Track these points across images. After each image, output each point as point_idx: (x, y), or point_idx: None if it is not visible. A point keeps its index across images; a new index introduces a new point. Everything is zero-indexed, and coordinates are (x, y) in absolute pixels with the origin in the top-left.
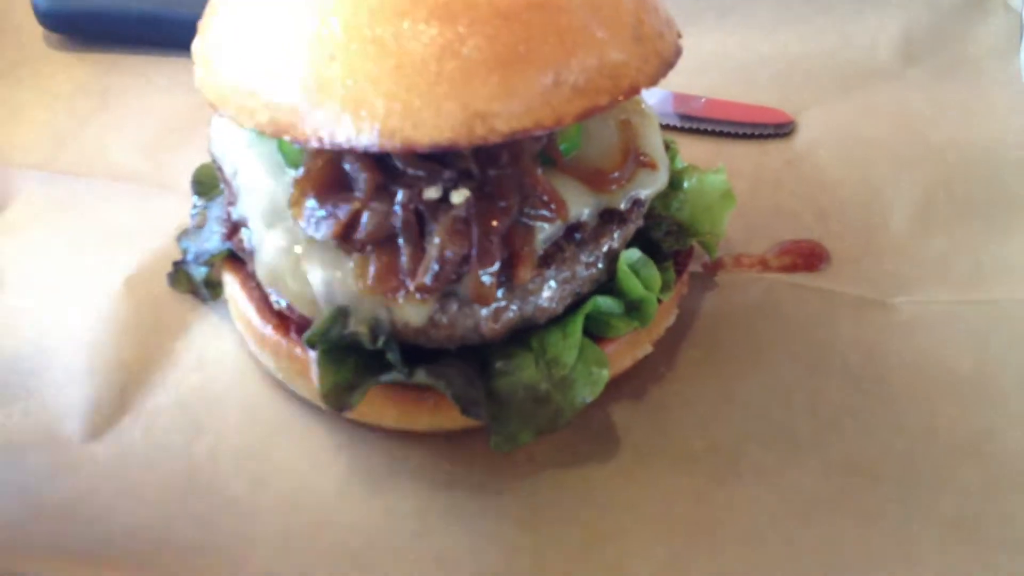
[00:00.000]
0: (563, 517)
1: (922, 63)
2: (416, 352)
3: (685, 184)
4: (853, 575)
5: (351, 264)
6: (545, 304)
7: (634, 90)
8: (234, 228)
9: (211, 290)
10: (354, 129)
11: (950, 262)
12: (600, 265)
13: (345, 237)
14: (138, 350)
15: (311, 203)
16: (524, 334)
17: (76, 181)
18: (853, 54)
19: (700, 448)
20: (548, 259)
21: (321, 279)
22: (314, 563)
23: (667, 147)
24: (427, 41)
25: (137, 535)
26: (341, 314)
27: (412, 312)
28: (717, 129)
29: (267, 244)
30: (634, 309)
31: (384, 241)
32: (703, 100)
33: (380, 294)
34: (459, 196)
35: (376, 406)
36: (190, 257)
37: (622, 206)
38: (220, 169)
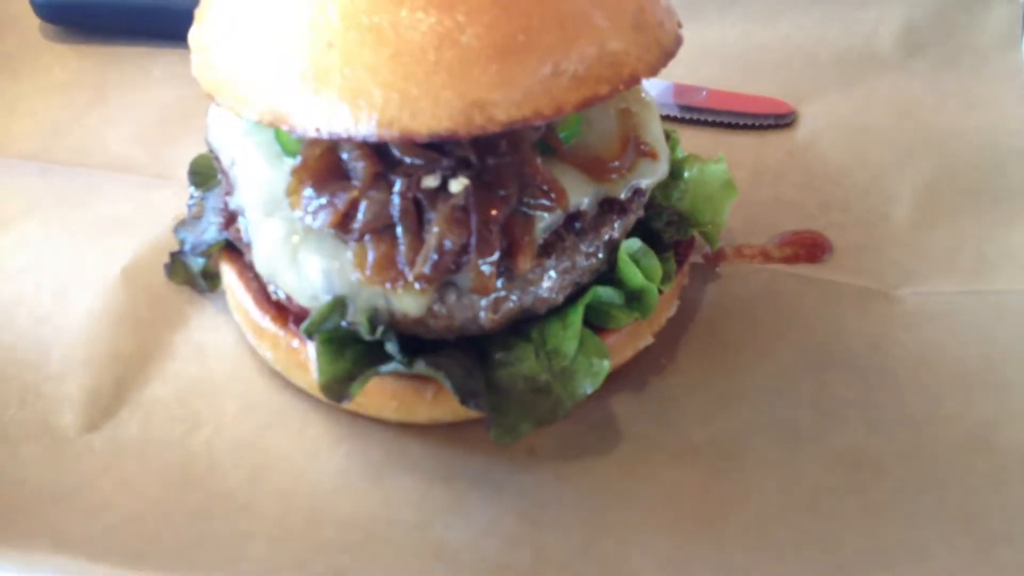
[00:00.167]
0: (564, 510)
1: (924, 53)
2: (415, 343)
3: (686, 174)
4: (858, 569)
5: (349, 254)
6: (545, 294)
7: (634, 80)
8: (231, 218)
9: (208, 281)
10: (352, 119)
11: (954, 253)
12: (600, 255)
13: (343, 226)
14: (135, 341)
15: (309, 192)
16: (524, 325)
17: (73, 172)
18: (855, 44)
19: (702, 440)
20: (548, 248)
21: (319, 269)
22: (313, 556)
23: (667, 137)
24: (425, 29)
25: (134, 528)
26: (339, 304)
27: (411, 302)
28: (718, 120)
29: (264, 234)
30: (635, 300)
31: (382, 230)
32: (704, 91)
33: (379, 284)
34: (458, 185)
35: (375, 397)
36: (187, 248)
37: (622, 195)
38: (217, 159)
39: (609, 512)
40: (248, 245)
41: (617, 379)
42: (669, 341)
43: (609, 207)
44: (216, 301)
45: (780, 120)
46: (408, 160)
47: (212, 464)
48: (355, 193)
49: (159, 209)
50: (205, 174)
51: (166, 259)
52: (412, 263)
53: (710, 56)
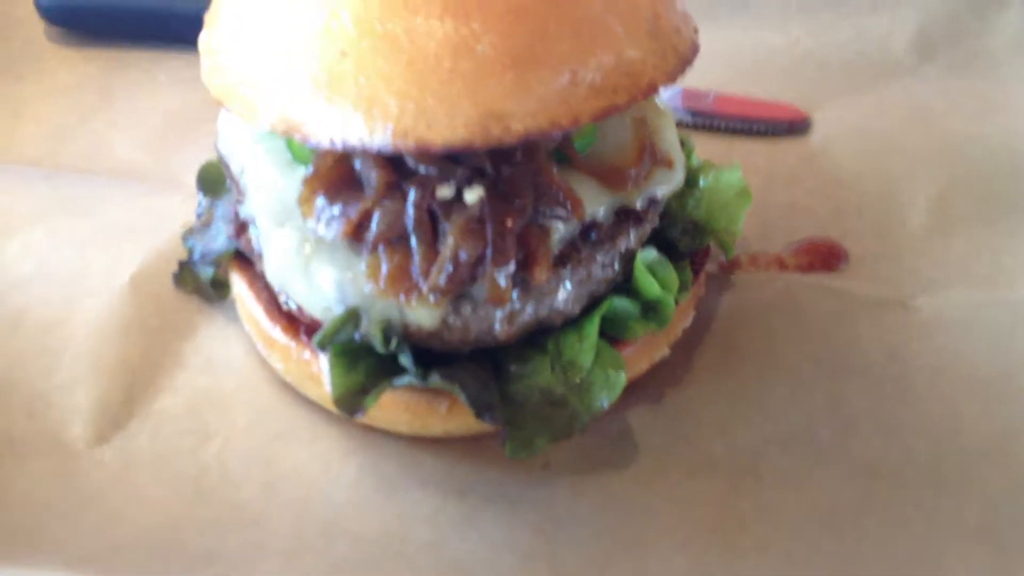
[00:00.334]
0: (580, 525)
1: (938, 57)
2: (429, 355)
3: (701, 182)
4: None
5: (363, 265)
6: (560, 305)
7: (653, 89)
8: (241, 227)
9: (218, 290)
10: (367, 129)
11: (970, 261)
12: (616, 265)
13: (356, 237)
14: (144, 351)
15: (321, 201)
16: (539, 336)
17: (79, 178)
18: (867, 49)
19: (720, 453)
20: (563, 259)
21: (332, 280)
22: (325, 571)
23: (682, 144)
24: (440, 37)
25: (144, 542)
26: (353, 316)
27: (425, 314)
28: (729, 126)
29: (276, 244)
30: (651, 310)
31: (396, 241)
32: (713, 96)
33: (393, 296)
34: (473, 195)
35: (388, 410)
36: (196, 256)
37: (638, 205)
38: (227, 166)
39: (625, 527)
40: (259, 255)
41: (633, 391)
42: (685, 352)
43: (625, 217)
44: (226, 311)
45: (794, 126)
46: (422, 169)
47: (223, 477)
48: (368, 203)
49: (167, 217)
50: (214, 181)
51: (175, 268)
52: (426, 274)
53: (720, 60)
